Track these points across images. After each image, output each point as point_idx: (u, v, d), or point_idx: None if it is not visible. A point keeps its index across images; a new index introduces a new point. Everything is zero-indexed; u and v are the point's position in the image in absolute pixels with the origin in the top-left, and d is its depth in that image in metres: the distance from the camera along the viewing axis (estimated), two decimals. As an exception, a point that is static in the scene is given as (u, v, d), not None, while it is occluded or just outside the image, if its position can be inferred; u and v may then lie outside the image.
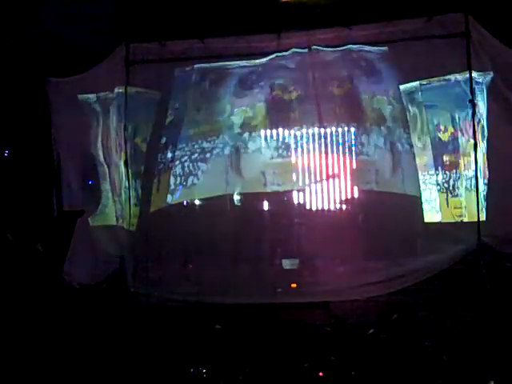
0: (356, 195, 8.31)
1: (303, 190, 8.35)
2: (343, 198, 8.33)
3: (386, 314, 6.12)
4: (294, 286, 7.77)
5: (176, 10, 8.11)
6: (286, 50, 8.12)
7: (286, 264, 8.01)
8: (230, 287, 7.45)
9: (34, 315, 5.96)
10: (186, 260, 8.24)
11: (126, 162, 8.12)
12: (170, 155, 8.63)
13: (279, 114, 8.45)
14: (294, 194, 8.43)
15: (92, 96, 8.55)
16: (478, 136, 7.30)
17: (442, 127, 7.93)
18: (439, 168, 7.92)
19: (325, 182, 8.32)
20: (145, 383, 4.94)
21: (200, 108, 8.62)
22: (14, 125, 8.73)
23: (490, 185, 7.24)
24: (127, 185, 8.12)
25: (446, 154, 7.90)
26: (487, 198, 7.27)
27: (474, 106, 7.33)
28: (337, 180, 8.32)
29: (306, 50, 8.06)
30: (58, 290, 6.85)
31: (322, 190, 8.33)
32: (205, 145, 8.53)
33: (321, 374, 4.80)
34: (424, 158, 8.02)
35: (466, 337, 5.57)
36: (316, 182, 8.32)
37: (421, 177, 7.97)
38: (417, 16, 7.57)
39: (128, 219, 8.01)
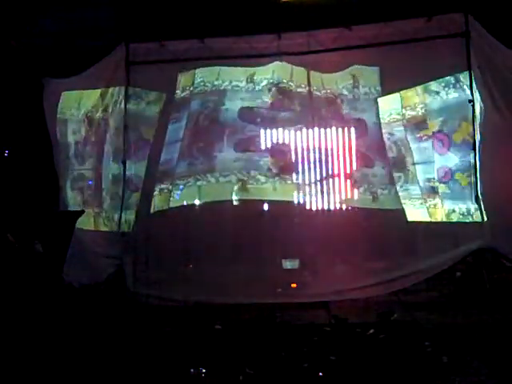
0: (356, 197, 8.32)
1: (303, 191, 8.35)
2: (343, 199, 8.34)
3: (385, 314, 6.11)
4: (293, 285, 7.77)
5: (176, 9, 8.12)
6: (286, 53, 8.14)
7: (286, 264, 8.01)
8: (229, 287, 7.45)
9: (34, 315, 5.96)
10: (186, 260, 8.24)
11: (124, 163, 8.12)
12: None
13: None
14: (295, 194, 8.43)
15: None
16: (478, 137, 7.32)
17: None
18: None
19: (325, 182, 8.34)
20: (145, 383, 4.93)
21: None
22: (14, 125, 8.75)
23: (489, 184, 7.24)
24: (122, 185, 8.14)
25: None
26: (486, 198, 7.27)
27: (473, 106, 7.33)
28: (337, 181, 8.35)
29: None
30: (58, 290, 6.84)
31: (322, 190, 8.34)
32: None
33: (321, 373, 4.80)
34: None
35: (465, 337, 5.57)
36: (316, 183, 8.33)
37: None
38: (416, 16, 7.57)
39: (118, 221, 8.03)
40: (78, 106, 8.74)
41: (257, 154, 8.36)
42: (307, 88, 8.25)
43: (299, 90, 8.33)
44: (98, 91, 8.50)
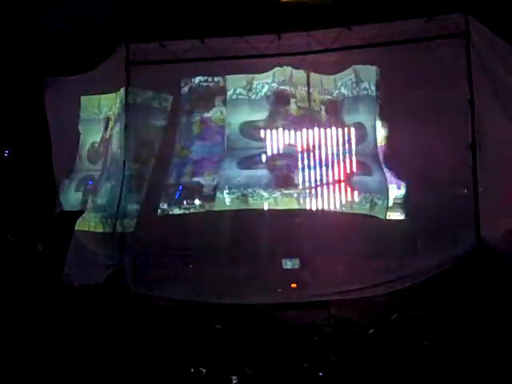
0: (356, 197, 8.33)
1: (304, 200, 8.35)
2: (343, 199, 8.35)
3: (385, 314, 6.11)
4: (293, 285, 7.78)
5: (176, 9, 8.12)
6: (286, 53, 8.14)
7: (286, 264, 8.02)
8: (229, 287, 7.46)
9: (34, 315, 5.96)
10: (186, 260, 8.25)
11: (123, 163, 8.13)
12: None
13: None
14: (294, 194, 8.43)
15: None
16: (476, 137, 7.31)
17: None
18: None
19: (325, 189, 8.38)
20: (145, 383, 4.94)
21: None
22: (13, 125, 8.75)
23: (488, 184, 7.25)
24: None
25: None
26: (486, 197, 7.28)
27: (473, 105, 7.33)
28: (336, 188, 8.37)
29: None
30: (58, 290, 6.84)
31: (322, 190, 8.35)
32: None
33: (321, 373, 4.80)
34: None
35: (465, 337, 5.57)
36: (317, 190, 8.35)
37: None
38: (416, 16, 7.57)
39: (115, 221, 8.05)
40: (98, 110, 8.83)
41: (258, 170, 8.41)
42: (307, 94, 8.30)
43: (299, 96, 8.38)
44: (114, 94, 8.55)
